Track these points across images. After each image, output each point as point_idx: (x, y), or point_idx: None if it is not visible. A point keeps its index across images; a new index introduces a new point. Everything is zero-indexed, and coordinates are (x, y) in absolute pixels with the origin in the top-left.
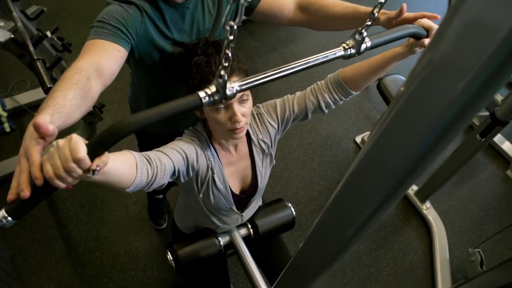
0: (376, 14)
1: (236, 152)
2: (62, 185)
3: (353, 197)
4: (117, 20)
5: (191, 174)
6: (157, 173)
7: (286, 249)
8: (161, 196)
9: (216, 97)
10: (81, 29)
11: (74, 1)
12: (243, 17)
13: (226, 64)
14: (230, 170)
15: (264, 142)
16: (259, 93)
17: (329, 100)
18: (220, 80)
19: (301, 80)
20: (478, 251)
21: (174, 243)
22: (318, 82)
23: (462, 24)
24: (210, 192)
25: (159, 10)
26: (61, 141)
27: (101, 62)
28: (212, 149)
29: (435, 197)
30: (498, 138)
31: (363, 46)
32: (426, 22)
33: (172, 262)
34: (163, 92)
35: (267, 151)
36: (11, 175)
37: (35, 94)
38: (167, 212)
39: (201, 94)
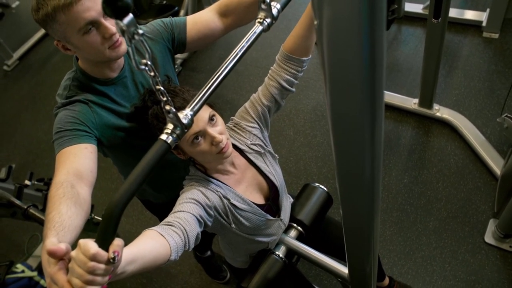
0: None
1: (237, 169)
2: None
3: (345, 122)
4: (70, 123)
5: (212, 213)
6: (184, 227)
7: (339, 223)
8: (209, 252)
9: (178, 131)
10: (53, 161)
11: (32, 142)
12: (184, 56)
13: (165, 99)
14: (242, 187)
15: (255, 145)
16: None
17: (288, 77)
18: (171, 115)
19: (259, 74)
20: (506, 115)
21: (240, 282)
22: (272, 67)
23: None
24: (239, 217)
25: (102, 93)
26: (73, 252)
27: (75, 166)
28: (213, 180)
29: (438, 97)
30: (456, 13)
31: (274, 11)
32: None
33: None
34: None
35: (263, 151)
36: None
37: None
38: (223, 263)
39: (163, 137)
